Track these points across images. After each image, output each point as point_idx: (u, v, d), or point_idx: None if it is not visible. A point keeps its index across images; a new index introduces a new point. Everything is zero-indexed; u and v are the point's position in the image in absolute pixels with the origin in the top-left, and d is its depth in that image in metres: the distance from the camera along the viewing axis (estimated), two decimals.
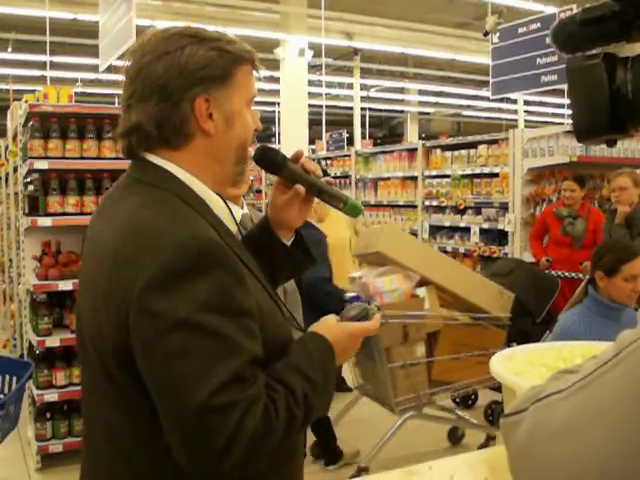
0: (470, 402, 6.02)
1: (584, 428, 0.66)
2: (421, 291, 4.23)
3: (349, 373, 4.93)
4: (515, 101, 17.91)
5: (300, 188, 1.58)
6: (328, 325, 1.48)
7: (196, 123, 1.36)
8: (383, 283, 4.08)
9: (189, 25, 1.41)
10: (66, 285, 4.62)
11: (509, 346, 5.79)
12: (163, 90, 1.34)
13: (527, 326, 5.75)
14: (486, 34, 8.19)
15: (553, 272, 6.29)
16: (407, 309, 4.11)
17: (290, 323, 1.51)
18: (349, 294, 4.25)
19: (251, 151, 1.51)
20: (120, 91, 1.43)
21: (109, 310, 1.24)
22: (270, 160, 1.57)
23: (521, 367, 1.78)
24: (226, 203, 1.45)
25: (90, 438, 1.43)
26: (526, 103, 19.95)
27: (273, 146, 1.63)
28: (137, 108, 1.36)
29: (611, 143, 1.07)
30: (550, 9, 10.03)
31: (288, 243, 1.66)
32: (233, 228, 1.44)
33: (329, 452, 4.87)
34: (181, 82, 1.34)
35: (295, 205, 1.62)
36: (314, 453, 5.00)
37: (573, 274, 6.13)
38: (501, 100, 16.60)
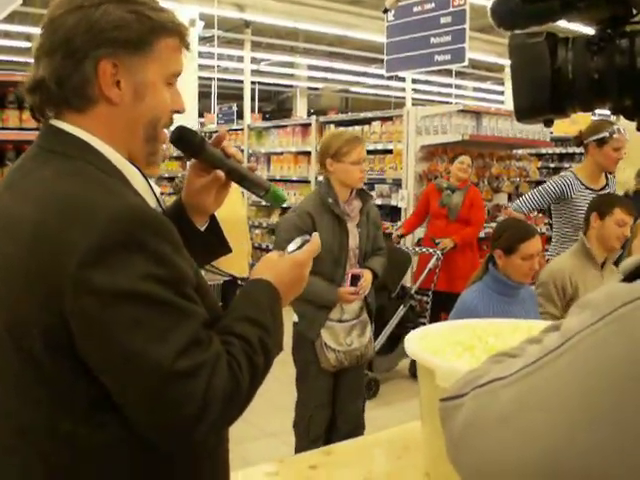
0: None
1: (528, 414, 0.65)
2: None
3: None
4: (403, 79, 18.18)
5: (220, 174, 1.51)
6: (269, 262, 1.44)
7: (99, 88, 1.25)
8: None
9: None
10: None
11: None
12: (68, 45, 1.23)
13: (383, 300, 5.89)
14: (385, 11, 8.23)
15: (404, 247, 6.49)
16: None
17: None
18: None
19: (167, 132, 1.41)
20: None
21: (35, 293, 1.13)
22: (188, 142, 1.48)
23: (436, 346, 1.79)
24: (145, 176, 1.35)
25: None
26: (414, 82, 20.28)
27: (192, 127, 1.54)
28: (43, 62, 1.26)
29: (548, 123, 1.07)
30: None
31: (202, 229, 1.59)
32: (152, 204, 1.34)
33: None
34: (87, 39, 1.23)
35: (212, 190, 1.55)
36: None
37: (424, 249, 6.33)
38: (389, 78, 16.80)
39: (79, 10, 1.24)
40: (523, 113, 1.01)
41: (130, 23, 1.26)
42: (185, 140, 1.48)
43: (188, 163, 11.57)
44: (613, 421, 0.58)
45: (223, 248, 1.67)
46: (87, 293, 1.10)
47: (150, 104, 1.32)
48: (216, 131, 11.37)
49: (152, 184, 1.37)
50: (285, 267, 1.42)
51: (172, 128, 1.46)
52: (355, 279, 3.66)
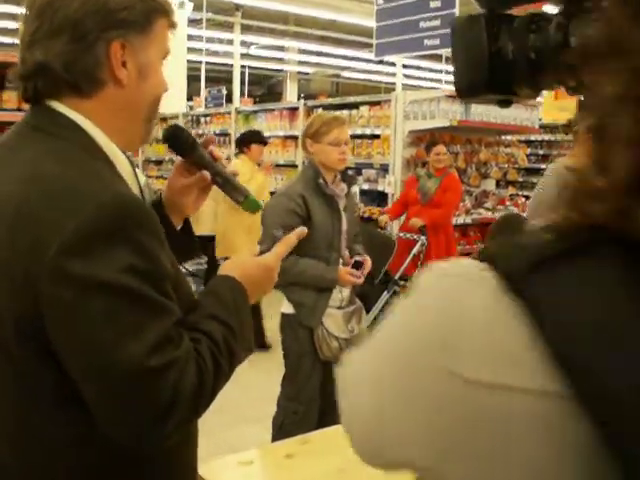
0: None
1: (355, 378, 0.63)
2: None
3: None
4: (394, 64, 18.14)
5: (206, 174, 1.52)
6: (238, 262, 1.44)
7: (109, 70, 1.23)
8: None
9: None
10: None
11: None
12: (77, 28, 1.19)
13: (366, 287, 5.82)
14: None
15: (387, 232, 6.47)
16: None
17: None
18: None
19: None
20: None
21: (10, 278, 1.10)
22: (181, 141, 1.51)
23: None
24: (132, 164, 1.33)
25: None
26: (404, 67, 20.22)
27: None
28: (43, 45, 1.20)
29: (503, 104, 1.06)
30: None
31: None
32: (135, 191, 1.30)
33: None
34: (99, 21, 1.20)
35: (193, 191, 1.56)
36: None
37: (408, 235, 6.28)
38: (380, 62, 16.75)
39: None
40: (462, 92, 1.01)
41: (135, 4, 1.25)
42: (178, 139, 1.51)
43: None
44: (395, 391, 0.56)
45: (193, 251, 1.68)
46: (65, 280, 1.08)
47: (152, 84, 1.32)
48: (205, 115, 11.33)
49: (137, 171, 1.36)
50: (253, 267, 1.42)
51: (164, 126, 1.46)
52: (357, 265, 3.58)
